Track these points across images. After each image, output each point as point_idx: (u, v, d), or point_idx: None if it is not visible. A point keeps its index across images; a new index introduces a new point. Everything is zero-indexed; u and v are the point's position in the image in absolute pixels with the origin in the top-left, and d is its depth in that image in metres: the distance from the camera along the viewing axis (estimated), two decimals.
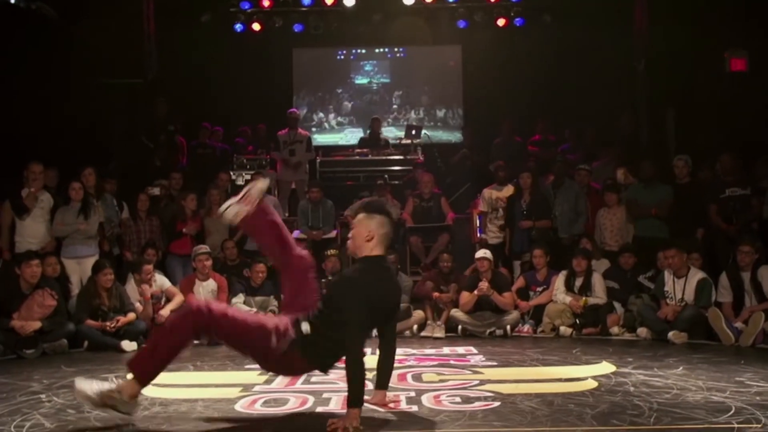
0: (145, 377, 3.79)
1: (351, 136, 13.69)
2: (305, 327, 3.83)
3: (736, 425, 3.64)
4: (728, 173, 8.55)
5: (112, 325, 7.16)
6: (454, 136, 13.52)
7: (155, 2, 12.20)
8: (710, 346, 6.74)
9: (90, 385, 3.71)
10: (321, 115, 13.99)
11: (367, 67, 14.08)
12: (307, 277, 4.19)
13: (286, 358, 3.82)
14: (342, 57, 14.08)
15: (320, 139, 13.64)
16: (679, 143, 10.97)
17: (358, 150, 12.33)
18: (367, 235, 3.86)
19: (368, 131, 12.62)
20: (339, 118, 14.00)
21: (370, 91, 14.11)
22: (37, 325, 6.77)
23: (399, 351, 6.44)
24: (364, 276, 3.83)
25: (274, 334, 3.76)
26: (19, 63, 9.52)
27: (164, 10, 12.24)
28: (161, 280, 7.93)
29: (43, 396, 4.67)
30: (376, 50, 14.05)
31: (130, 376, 3.78)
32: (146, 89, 11.93)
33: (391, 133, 12.96)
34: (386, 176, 11.19)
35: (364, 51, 14.04)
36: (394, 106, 14.04)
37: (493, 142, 11.67)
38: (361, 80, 14.12)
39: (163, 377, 5.38)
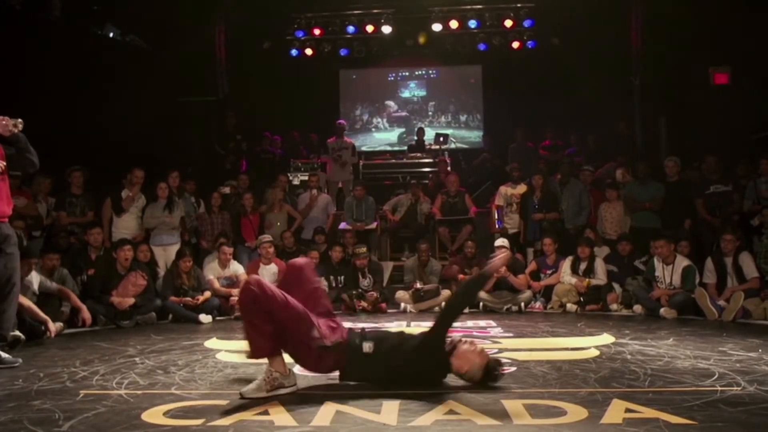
0: (266, 351, 3.52)
1: (398, 133, 14.58)
2: (367, 346, 3.62)
3: (719, 388, 3.58)
4: (712, 172, 8.40)
5: (196, 301, 7.29)
6: (473, 134, 14.23)
7: (225, 33, 12.33)
8: (697, 321, 6.63)
9: (254, 387, 3.47)
10: (378, 119, 14.70)
11: (411, 85, 14.74)
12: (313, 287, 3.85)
13: (319, 354, 3.57)
14: (392, 78, 14.72)
15: (378, 136, 14.63)
16: (669, 146, 10.77)
17: (391, 153, 12.80)
18: (465, 368, 3.63)
19: (415, 139, 12.71)
20: (390, 122, 14.74)
21: (411, 102, 14.75)
22: (132, 301, 6.93)
23: (429, 324, 6.50)
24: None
25: (316, 328, 3.54)
26: (116, 85, 9.71)
27: (233, 40, 12.38)
28: (235, 267, 8.00)
29: (137, 359, 4.77)
30: (416, 72, 14.64)
31: (263, 360, 3.56)
32: (218, 105, 12.08)
33: (427, 134, 13.13)
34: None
35: (407, 73, 14.67)
36: (430, 113, 14.62)
37: (509, 147, 11.58)
38: (405, 94, 14.77)
39: (233, 344, 5.51)
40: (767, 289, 6.94)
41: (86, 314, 6.34)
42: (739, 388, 3.56)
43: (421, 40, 12.94)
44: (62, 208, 7.96)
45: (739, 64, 10.19)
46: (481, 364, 3.60)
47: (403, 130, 14.49)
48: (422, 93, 14.59)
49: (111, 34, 10.62)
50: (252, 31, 12.52)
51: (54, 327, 5.78)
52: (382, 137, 14.53)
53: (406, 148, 13.06)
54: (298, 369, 4.10)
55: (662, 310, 6.94)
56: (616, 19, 11.67)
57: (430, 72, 14.52)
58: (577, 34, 12.05)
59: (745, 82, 10.00)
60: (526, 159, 10.73)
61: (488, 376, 3.61)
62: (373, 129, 14.60)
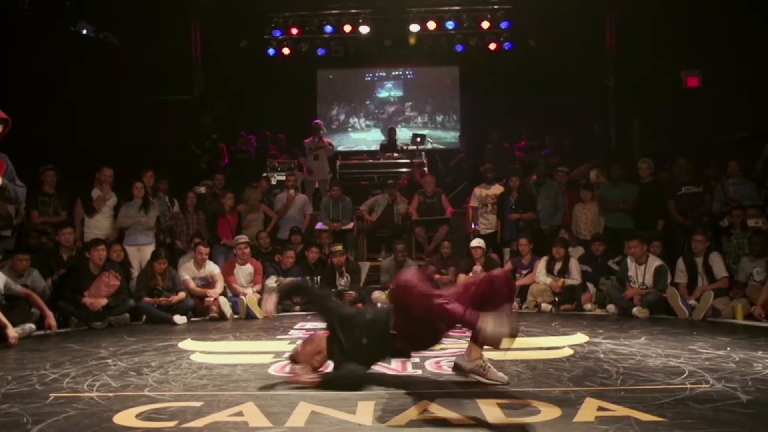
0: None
1: (375, 133, 14.49)
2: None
3: (689, 385, 3.64)
4: (684, 174, 8.53)
5: (170, 301, 7.22)
6: (449, 135, 14.26)
7: (201, 31, 12.22)
8: (668, 320, 6.73)
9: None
10: (354, 119, 14.67)
11: (388, 85, 14.72)
12: None
13: None
14: (369, 78, 14.70)
15: (354, 136, 14.53)
16: (642, 148, 10.92)
17: (368, 153, 12.91)
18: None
19: (386, 138, 12.71)
20: (367, 122, 14.68)
21: (388, 102, 14.72)
22: (105, 301, 6.81)
23: None
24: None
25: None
26: (89, 84, 9.56)
27: (209, 38, 12.27)
28: (211, 267, 7.92)
29: (109, 361, 4.71)
30: (393, 72, 14.61)
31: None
32: (194, 104, 11.95)
33: (403, 134, 13.23)
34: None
35: (384, 73, 14.64)
36: (406, 113, 14.61)
37: (485, 148, 11.65)
38: (382, 94, 14.73)
39: (207, 346, 5.47)
40: (736, 288, 7.09)
41: (52, 321, 6.15)
42: (707, 386, 3.63)
43: (411, 41, 12.94)
44: (34, 207, 7.80)
45: (710, 68, 10.37)
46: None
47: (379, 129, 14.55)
48: (399, 93, 14.60)
49: (84, 31, 10.44)
50: (228, 30, 12.41)
51: (14, 333, 5.57)
52: (359, 137, 14.49)
53: (379, 147, 13.01)
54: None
55: (635, 310, 7.04)
56: (590, 22, 11.80)
57: (407, 72, 14.53)
58: (553, 36, 12.16)
59: (715, 85, 10.18)
60: (502, 160, 10.80)
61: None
62: (350, 129, 14.57)
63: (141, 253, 7.96)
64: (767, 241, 7.14)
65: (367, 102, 14.63)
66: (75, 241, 7.64)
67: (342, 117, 14.58)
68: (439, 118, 14.46)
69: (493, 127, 11.80)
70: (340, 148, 13.55)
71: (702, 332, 5.72)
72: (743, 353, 4.59)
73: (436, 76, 14.53)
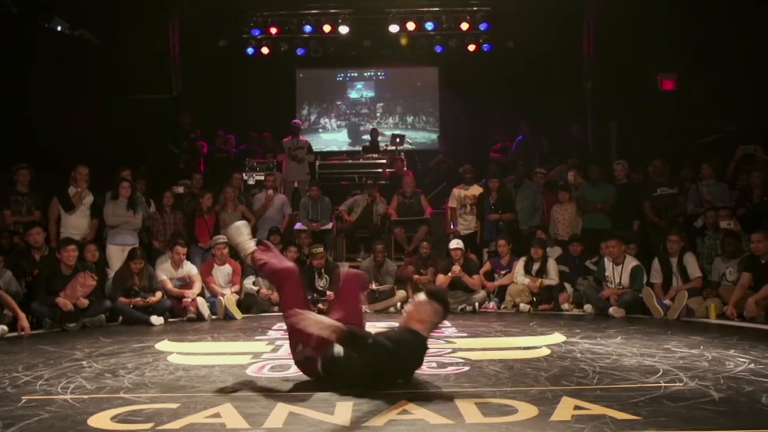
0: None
1: (345, 134, 14.53)
2: (338, 349, 3.62)
3: (663, 384, 3.69)
4: (659, 175, 8.66)
5: (146, 302, 7.13)
6: (419, 135, 14.24)
7: (180, 30, 12.11)
8: (643, 320, 6.82)
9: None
10: (325, 119, 14.61)
11: (359, 86, 14.66)
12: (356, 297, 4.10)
13: (305, 364, 3.82)
14: (341, 78, 14.64)
15: (325, 137, 14.43)
16: (619, 150, 11.05)
17: (348, 154, 13.01)
18: (423, 317, 3.72)
19: (369, 140, 12.70)
20: (338, 122, 14.62)
21: (360, 103, 14.65)
22: (84, 302, 6.66)
23: (384, 325, 6.51)
24: (403, 342, 3.67)
25: (303, 342, 3.73)
26: (64, 81, 9.42)
27: (187, 36, 12.16)
28: (189, 267, 7.84)
29: (84, 362, 4.64)
30: (365, 73, 14.60)
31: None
32: (172, 103, 11.83)
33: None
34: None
35: (356, 74, 14.59)
36: (378, 114, 14.62)
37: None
38: (354, 95, 14.66)
39: (185, 347, 5.42)
40: (709, 288, 7.20)
41: (24, 323, 6.01)
42: (681, 384, 3.68)
43: (403, 41, 12.94)
44: (7, 206, 7.65)
45: (686, 71, 10.53)
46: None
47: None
48: (371, 94, 14.55)
49: (59, 28, 10.27)
50: (207, 29, 12.31)
51: None
52: (330, 138, 14.40)
53: (360, 148, 13.02)
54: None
55: (611, 309, 7.12)
56: (568, 25, 11.91)
57: (379, 73, 14.51)
58: (531, 38, 12.23)
59: (690, 88, 10.34)
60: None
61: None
62: (321, 130, 14.46)
63: (125, 254, 7.74)
64: (739, 242, 7.29)
65: (339, 102, 14.56)
66: (49, 240, 7.51)
67: (313, 117, 14.49)
68: (410, 119, 14.44)
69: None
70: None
71: (676, 331, 5.80)
72: (716, 352, 4.66)
73: (408, 77, 14.51)
